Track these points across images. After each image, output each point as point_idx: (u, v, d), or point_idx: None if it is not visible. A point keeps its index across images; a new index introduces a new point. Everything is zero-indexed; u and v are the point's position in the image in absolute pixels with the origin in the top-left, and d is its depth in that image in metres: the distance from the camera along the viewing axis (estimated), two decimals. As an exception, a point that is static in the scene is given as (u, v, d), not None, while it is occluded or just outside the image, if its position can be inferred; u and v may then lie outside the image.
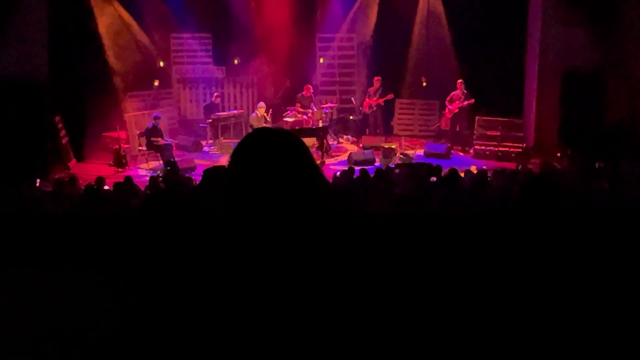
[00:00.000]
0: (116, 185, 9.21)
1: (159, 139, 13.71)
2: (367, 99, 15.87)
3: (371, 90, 15.85)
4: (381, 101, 15.64)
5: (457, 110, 14.88)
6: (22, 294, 2.15)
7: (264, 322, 1.71)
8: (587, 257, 2.49)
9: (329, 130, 15.30)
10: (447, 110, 15.15)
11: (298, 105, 15.50)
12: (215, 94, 16.14)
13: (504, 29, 14.46)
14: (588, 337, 1.95)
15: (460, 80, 14.88)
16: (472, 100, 14.60)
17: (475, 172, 10.18)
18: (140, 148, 14.14)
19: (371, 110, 15.84)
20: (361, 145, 15.19)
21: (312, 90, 15.72)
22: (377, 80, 15.76)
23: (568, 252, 2.49)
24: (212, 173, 4.30)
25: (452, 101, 14.95)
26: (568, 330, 1.95)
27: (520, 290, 2.10)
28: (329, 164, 13.68)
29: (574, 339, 1.94)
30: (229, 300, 1.74)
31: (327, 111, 15.72)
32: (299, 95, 15.58)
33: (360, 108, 16.35)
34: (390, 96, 15.64)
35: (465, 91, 14.75)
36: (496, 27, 14.44)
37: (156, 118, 14.03)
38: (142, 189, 9.41)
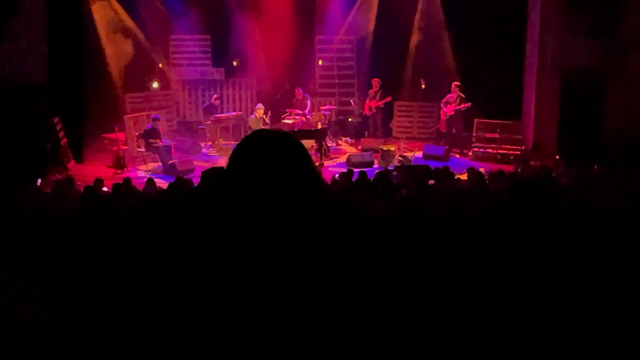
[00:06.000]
0: (115, 186, 9.19)
1: (158, 140, 13.70)
2: (368, 101, 15.87)
3: (371, 92, 15.82)
4: (381, 104, 15.62)
5: (452, 113, 14.85)
6: (23, 294, 2.15)
7: (263, 323, 1.70)
8: (586, 260, 2.49)
9: (328, 132, 15.30)
10: (442, 113, 15.14)
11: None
12: (215, 95, 16.15)
13: (503, 31, 14.46)
14: (587, 340, 1.95)
15: (455, 83, 14.86)
16: (469, 104, 14.55)
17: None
18: (139, 149, 14.13)
19: (371, 112, 15.83)
20: (360, 147, 15.18)
21: (302, 94, 15.76)
22: (376, 82, 15.74)
23: (567, 255, 2.50)
24: (211, 175, 4.30)
25: (447, 103, 14.92)
26: (568, 333, 1.95)
27: (520, 293, 2.10)
28: (328, 166, 13.66)
29: (574, 342, 1.94)
30: (227, 301, 1.74)
31: (325, 113, 15.74)
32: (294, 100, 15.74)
33: (361, 110, 16.35)
34: (388, 99, 15.58)
35: (460, 94, 14.72)
36: (495, 29, 14.45)
37: (155, 120, 14.01)
38: (141, 190, 9.39)
